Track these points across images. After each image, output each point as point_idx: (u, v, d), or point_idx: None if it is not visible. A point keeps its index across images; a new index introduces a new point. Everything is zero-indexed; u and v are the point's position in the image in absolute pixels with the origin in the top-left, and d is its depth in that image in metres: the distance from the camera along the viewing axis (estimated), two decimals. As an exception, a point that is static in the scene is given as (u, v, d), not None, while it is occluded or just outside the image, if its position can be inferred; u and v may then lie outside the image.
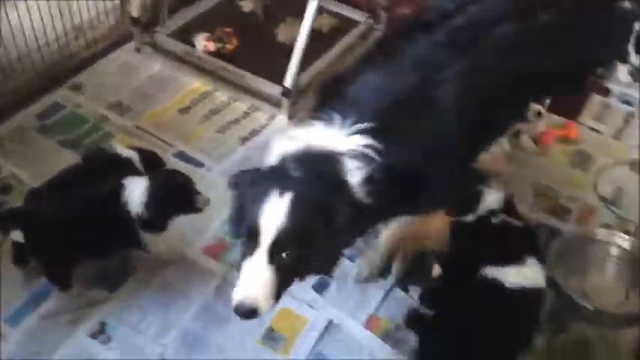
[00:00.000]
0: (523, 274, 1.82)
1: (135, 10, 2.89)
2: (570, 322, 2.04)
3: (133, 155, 2.21)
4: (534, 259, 1.86)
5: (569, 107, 2.82)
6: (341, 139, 1.59)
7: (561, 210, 2.42)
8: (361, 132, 1.58)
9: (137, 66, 2.90)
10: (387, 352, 1.96)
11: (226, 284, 2.07)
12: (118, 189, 1.93)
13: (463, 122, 1.70)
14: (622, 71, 2.90)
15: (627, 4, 2.66)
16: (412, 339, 1.97)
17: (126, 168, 2.17)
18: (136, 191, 1.92)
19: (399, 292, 2.11)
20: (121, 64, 2.91)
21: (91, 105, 2.70)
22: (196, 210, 2.01)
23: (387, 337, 1.99)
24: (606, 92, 2.94)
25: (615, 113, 2.84)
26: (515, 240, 1.92)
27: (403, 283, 2.11)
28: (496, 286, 1.81)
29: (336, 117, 1.61)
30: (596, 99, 2.90)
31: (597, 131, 2.76)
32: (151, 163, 2.25)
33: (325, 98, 1.76)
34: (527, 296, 1.81)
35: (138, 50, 2.96)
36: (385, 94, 1.67)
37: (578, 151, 2.65)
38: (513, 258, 1.84)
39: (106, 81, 2.82)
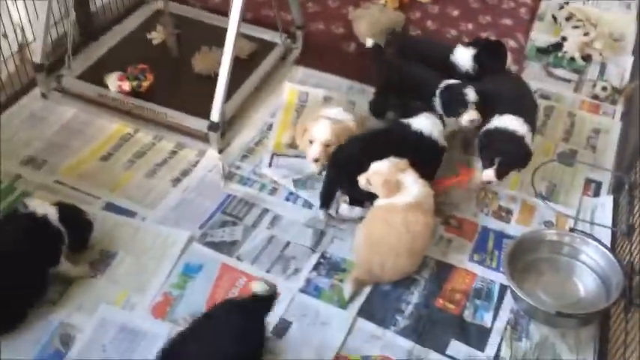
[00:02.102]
0: None
1: (37, 55, 2.68)
2: (529, 327, 2.07)
3: (50, 212, 2.05)
4: None
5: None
6: None
7: (504, 212, 2.45)
8: None
9: (47, 115, 2.70)
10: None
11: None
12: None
13: None
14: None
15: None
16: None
17: (42, 228, 2.02)
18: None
19: (362, 324, 2.06)
20: (28, 115, 2.69)
21: (1, 164, 2.48)
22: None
23: (357, 372, 1.95)
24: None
25: (536, 108, 2.92)
26: None
27: None
28: None
29: None
30: (515, 96, 2.97)
31: (522, 128, 2.82)
32: (72, 218, 2.11)
33: None
34: None
35: (44, 97, 2.75)
36: None
37: (508, 150, 2.70)
38: None
39: (13, 135, 2.60)
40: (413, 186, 2.16)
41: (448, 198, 2.46)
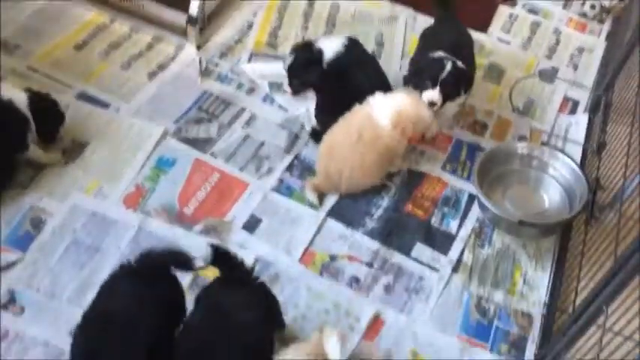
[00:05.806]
0: None
1: None
2: (493, 235, 2.13)
3: (17, 97, 2.00)
4: None
5: (478, 19, 2.83)
6: None
7: (479, 125, 2.46)
8: None
9: (20, -2, 2.61)
10: (324, 285, 1.96)
11: (142, 234, 1.98)
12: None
13: None
14: None
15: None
16: (349, 269, 2.00)
17: (7, 112, 1.98)
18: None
19: (332, 224, 2.10)
20: (0, -3, 2.60)
21: (-28, 46, 2.41)
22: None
23: (324, 269, 2.00)
24: (512, 2, 2.96)
25: (522, 23, 2.87)
26: None
27: None
28: None
29: None
30: (503, 9, 2.92)
31: (507, 42, 2.79)
32: (42, 107, 2.07)
33: None
34: None
35: (18, -20, 2.64)
36: None
37: (490, 64, 2.68)
38: None
39: (-16, 17, 2.52)
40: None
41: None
